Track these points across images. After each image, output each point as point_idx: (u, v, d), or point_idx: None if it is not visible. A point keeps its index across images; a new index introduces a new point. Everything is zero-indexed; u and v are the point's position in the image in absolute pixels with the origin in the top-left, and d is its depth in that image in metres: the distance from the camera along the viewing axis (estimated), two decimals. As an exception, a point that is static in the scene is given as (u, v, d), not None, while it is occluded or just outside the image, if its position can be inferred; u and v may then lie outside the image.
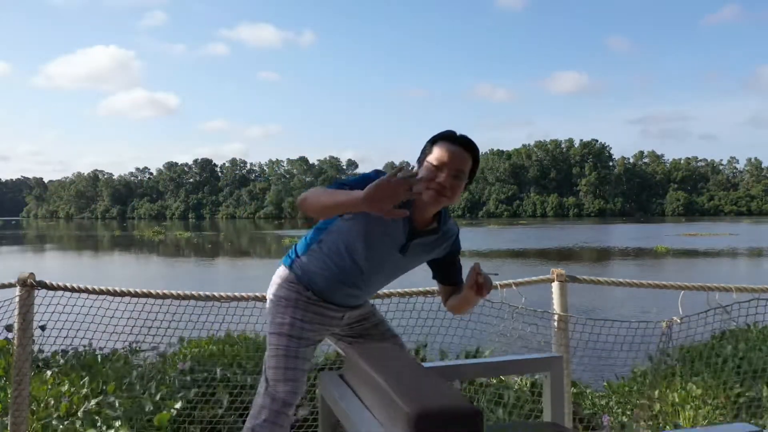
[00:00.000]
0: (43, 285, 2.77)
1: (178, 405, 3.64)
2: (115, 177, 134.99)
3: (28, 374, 2.74)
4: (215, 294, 2.82)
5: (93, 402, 3.67)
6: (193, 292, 2.80)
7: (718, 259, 22.98)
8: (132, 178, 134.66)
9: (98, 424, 3.46)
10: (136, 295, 2.79)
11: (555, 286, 2.71)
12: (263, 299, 2.83)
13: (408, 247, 1.83)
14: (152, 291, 2.79)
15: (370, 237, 1.83)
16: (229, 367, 4.25)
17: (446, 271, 1.92)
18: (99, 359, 4.20)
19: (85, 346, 3.83)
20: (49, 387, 3.71)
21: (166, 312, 2.82)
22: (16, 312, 2.73)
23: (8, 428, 2.75)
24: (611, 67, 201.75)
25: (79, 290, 2.78)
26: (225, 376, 4.37)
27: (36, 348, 3.54)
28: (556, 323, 2.68)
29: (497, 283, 2.79)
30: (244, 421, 3.60)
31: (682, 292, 2.73)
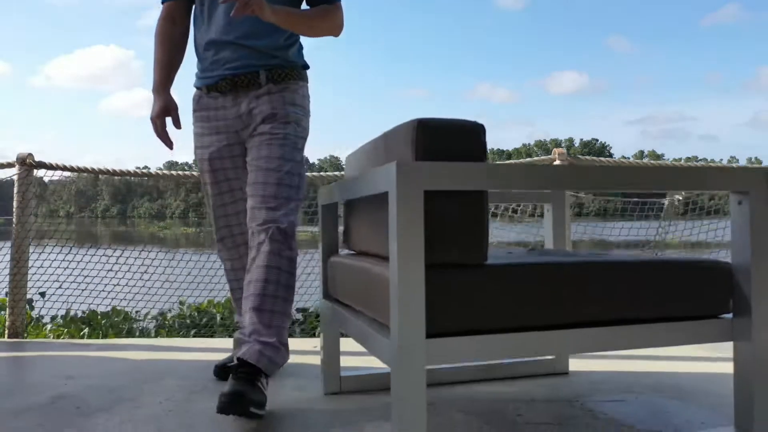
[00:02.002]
0: (41, 165, 2.77)
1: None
2: (115, 176, 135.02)
3: (27, 251, 2.72)
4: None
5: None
6: (192, 173, 2.79)
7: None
8: (132, 177, 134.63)
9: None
10: (135, 174, 2.78)
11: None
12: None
13: None
14: (152, 171, 2.79)
15: None
16: (230, 317, 4.25)
17: None
18: (99, 316, 4.21)
19: (84, 311, 3.87)
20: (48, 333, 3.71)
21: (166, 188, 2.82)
22: (15, 190, 2.72)
23: (6, 318, 2.74)
24: (611, 67, 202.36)
25: (78, 170, 2.78)
26: (224, 323, 4.37)
27: (35, 314, 3.58)
28: (557, 201, 2.67)
29: (499, 162, 2.78)
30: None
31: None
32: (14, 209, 2.70)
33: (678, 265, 1.28)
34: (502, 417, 1.52)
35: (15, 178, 2.71)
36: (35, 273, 2.87)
